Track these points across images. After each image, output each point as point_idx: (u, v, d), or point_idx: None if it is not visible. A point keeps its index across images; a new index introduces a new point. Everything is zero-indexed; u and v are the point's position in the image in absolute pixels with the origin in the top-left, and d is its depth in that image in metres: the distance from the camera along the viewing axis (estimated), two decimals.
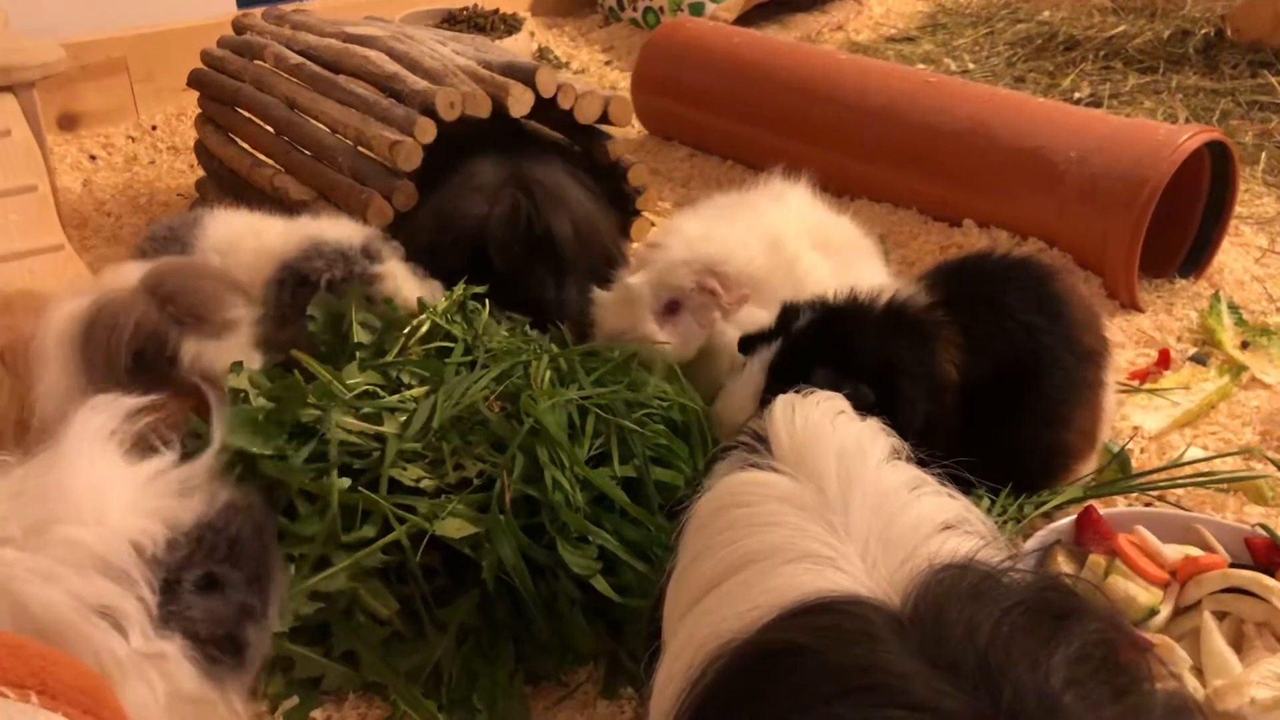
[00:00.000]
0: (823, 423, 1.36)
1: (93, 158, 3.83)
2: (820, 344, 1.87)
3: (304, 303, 2.12)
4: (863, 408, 1.68)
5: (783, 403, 1.42)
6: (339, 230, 2.27)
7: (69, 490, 1.34)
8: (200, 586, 1.37)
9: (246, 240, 2.27)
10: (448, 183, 2.57)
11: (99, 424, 1.41)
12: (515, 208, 2.43)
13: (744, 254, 2.21)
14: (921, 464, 1.37)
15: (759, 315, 2.17)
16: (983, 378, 1.88)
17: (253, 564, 1.44)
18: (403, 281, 2.23)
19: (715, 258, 2.18)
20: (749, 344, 1.97)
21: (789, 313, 1.95)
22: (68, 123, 3.95)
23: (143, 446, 1.45)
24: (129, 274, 2.01)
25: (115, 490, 1.35)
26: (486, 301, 2.22)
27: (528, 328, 2.23)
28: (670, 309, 2.17)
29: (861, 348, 1.84)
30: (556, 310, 2.42)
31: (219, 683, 1.37)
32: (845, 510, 1.23)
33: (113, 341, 1.83)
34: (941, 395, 1.85)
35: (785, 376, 1.81)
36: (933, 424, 1.82)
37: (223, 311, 1.98)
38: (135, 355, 1.85)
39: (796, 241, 2.33)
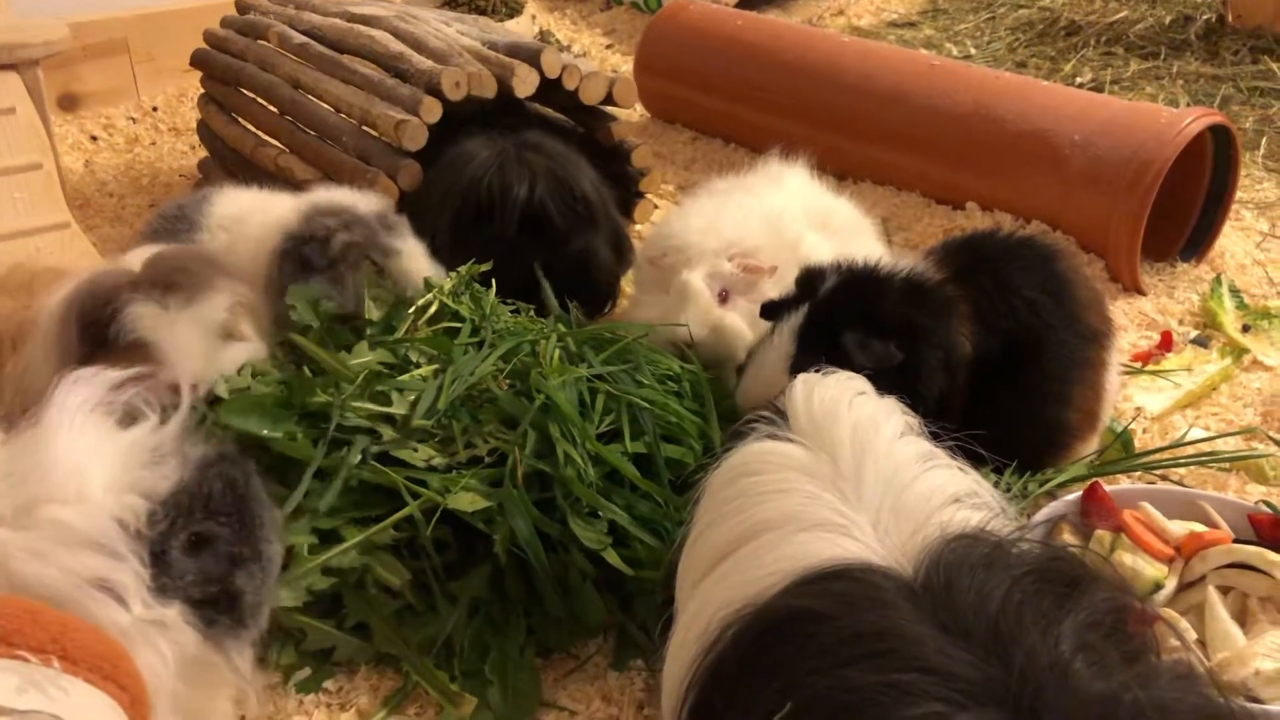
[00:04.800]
0: (840, 399, 1.38)
1: (94, 138, 3.82)
2: (847, 307, 1.86)
3: (312, 266, 2.07)
4: (889, 368, 1.69)
5: (803, 381, 1.43)
6: (350, 197, 2.23)
7: (51, 470, 1.33)
8: (188, 548, 1.37)
9: (254, 216, 2.25)
10: (443, 160, 2.56)
11: (79, 399, 1.40)
12: (533, 172, 2.43)
13: (752, 235, 2.24)
14: (934, 438, 1.39)
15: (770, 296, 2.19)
16: (989, 353, 1.89)
17: (234, 515, 1.43)
18: (419, 260, 2.20)
19: (737, 239, 2.22)
20: (773, 309, 1.97)
21: (812, 276, 1.95)
22: (68, 103, 3.95)
23: (127, 417, 1.44)
24: (131, 259, 1.99)
25: (95, 467, 1.34)
26: (494, 282, 2.23)
27: (533, 312, 2.24)
28: (722, 298, 2.20)
29: (888, 312, 1.84)
30: (602, 268, 2.46)
31: (220, 643, 1.38)
32: (858, 481, 1.25)
33: (68, 312, 1.81)
34: (956, 369, 1.86)
35: (814, 341, 1.82)
36: (945, 398, 1.83)
37: (190, 280, 1.88)
38: (84, 323, 1.79)
39: (798, 223, 2.35)
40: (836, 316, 1.84)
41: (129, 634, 1.29)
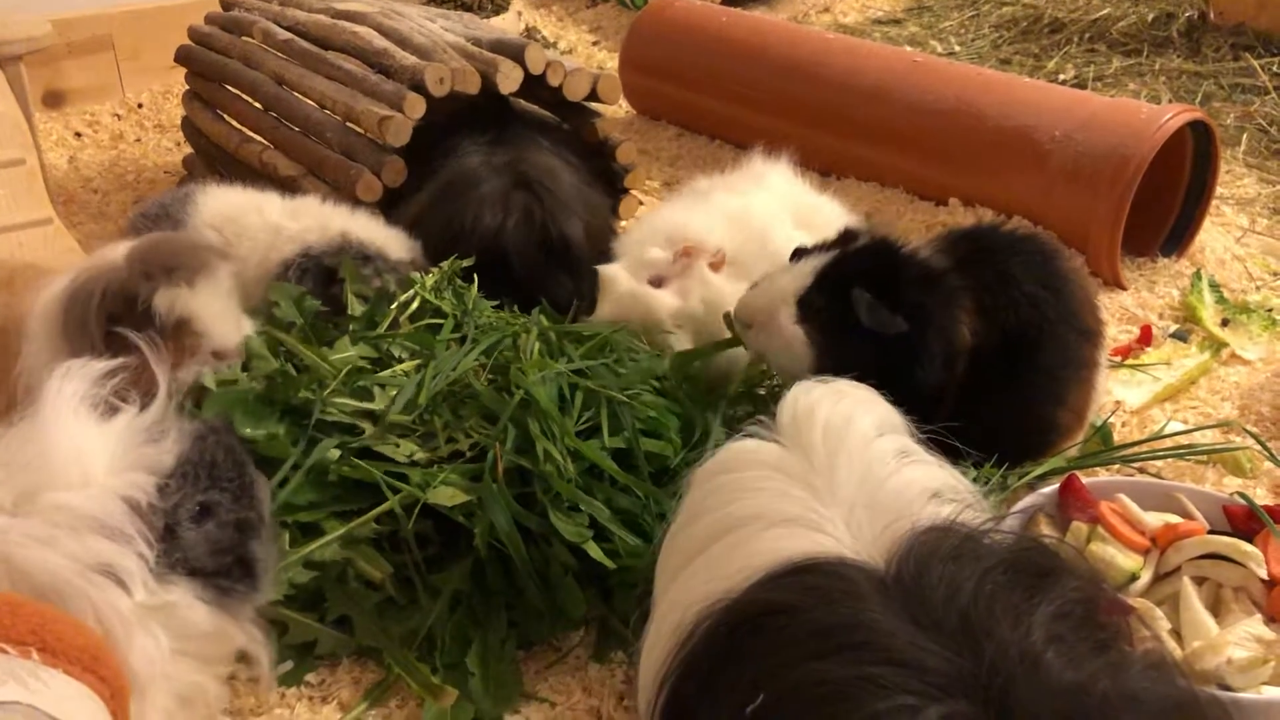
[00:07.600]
0: (821, 401, 1.39)
1: (78, 135, 3.82)
2: (869, 268, 1.89)
3: (325, 295, 2.12)
4: (891, 351, 1.79)
5: (796, 388, 1.44)
6: (374, 232, 2.26)
7: (51, 457, 1.34)
8: (195, 518, 1.40)
9: (250, 217, 2.25)
10: (446, 184, 2.55)
11: (72, 390, 1.42)
12: (529, 216, 2.43)
13: (701, 226, 2.26)
14: (921, 431, 1.40)
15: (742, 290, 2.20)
16: (987, 346, 1.89)
17: (235, 481, 1.47)
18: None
19: (674, 226, 2.24)
20: (802, 254, 2.00)
21: (848, 235, 2.00)
22: (53, 100, 3.94)
23: (110, 407, 1.46)
24: (116, 250, 2.00)
25: (96, 451, 1.36)
26: (475, 278, 2.23)
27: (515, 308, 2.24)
28: (655, 284, 2.21)
29: (904, 289, 1.86)
30: (572, 309, 2.46)
31: (234, 612, 1.41)
32: (830, 477, 1.26)
33: (85, 310, 1.81)
34: (954, 361, 1.87)
35: (830, 284, 1.88)
36: (940, 390, 1.85)
37: (193, 259, 1.93)
38: (109, 318, 1.81)
39: (765, 215, 2.35)
40: (856, 271, 1.88)
41: (128, 620, 1.31)
